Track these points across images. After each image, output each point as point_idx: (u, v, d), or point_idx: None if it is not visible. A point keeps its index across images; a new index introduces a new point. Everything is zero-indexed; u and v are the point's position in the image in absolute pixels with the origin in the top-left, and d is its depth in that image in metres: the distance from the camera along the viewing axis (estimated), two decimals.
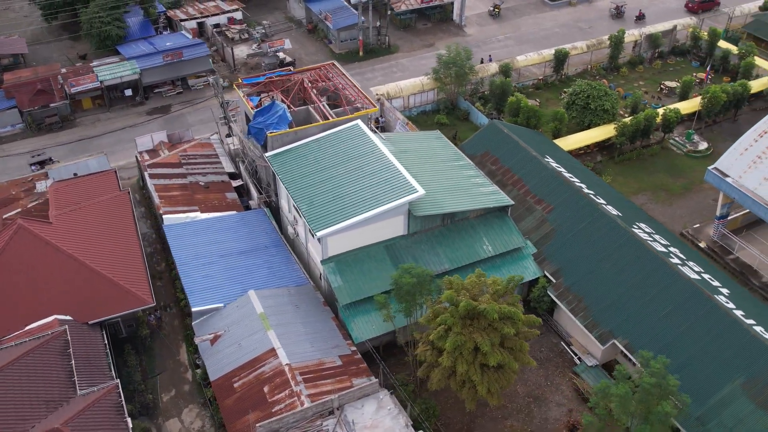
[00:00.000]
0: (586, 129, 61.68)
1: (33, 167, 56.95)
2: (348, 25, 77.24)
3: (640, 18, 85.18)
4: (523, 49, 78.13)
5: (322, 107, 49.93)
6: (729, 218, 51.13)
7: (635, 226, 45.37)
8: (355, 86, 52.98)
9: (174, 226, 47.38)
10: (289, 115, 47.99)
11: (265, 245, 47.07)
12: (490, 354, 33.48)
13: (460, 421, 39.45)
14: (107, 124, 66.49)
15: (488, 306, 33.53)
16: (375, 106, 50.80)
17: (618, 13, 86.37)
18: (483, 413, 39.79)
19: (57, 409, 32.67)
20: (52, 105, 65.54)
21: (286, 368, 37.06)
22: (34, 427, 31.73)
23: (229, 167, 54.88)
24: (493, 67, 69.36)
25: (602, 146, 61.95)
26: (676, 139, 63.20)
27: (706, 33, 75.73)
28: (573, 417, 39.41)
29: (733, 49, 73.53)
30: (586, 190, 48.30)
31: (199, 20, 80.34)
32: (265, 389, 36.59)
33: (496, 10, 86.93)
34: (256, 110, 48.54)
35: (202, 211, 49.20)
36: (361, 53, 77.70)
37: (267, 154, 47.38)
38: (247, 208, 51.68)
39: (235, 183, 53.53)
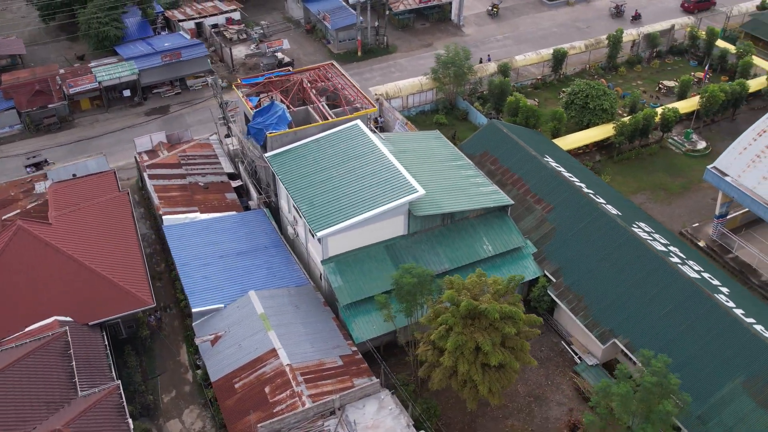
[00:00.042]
0: (585, 128, 61.76)
1: (28, 169, 56.83)
2: (346, 25, 77.21)
3: (636, 18, 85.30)
4: (521, 48, 78.20)
5: (321, 107, 49.91)
6: (728, 217, 51.22)
7: (635, 226, 45.42)
8: (354, 86, 52.97)
9: (174, 226, 47.33)
10: (288, 115, 47.96)
11: (265, 246, 47.03)
12: (491, 354, 33.52)
13: (461, 421, 39.48)
14: (106, 125, 66.40)
15: (489, 306, 33.57)
16: (374, 106, 50.79)
17: (618, 12, 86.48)
18: (484, 413, 39.82)
19: (58, 411, 32.62)
20: (50, 106, 65.43)
21: (287, 369, 37.05)
22: (35, 429, 31.68)
23: (228, 168, 54.84)
24: (492, 67, 69.41)
25: (601, 146, 62.04)
26: (675, 138, 63.30)
27: (704, 32, 75.85)
28: (574, 416, 39.45)
29: (731, 48, 73.66)
30: (585, 190, 48.36)
31: (197, 21, 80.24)
32: (267, 390, 36.57)
33: (495, 9, 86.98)
34: (255, 110, 48.51)
35: (201, 212, 49.15)
36: (359, 53, 77.71)
37: (266, 155, 47.35)
38: (247, 208, 51.64)
39: (235, 183, 53.49)
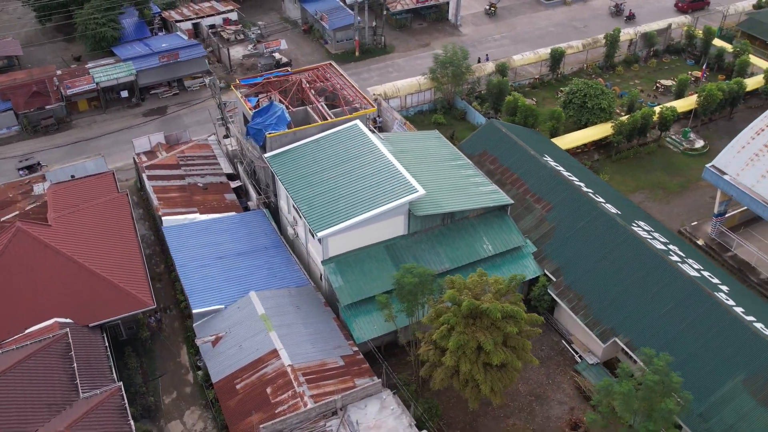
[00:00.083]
0: (583, 128, 61.88)
1: (21, 172, 56.55)
2: (344, 25, 77.20)
3: (631, 18, 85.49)
4: (518, 48, 78.29)
5: (320, 108, 49.89)
6: (726, 216, 51.37)
7: (634, 224, 45.52)
8: (353, 86, 52.96)
9: (173, 227, 47.25)
10: (287, 115, 47.94)
11: (265, 246, 46.99)
12: (493, 353, 33.56)
13: (463, 420, 39.51)
14: (103, 126, 66.26)
15: (491, 305, 33.60)
16: (373, 106, 50.80)
17: (618, 11, 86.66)
18: (485, 412, 39.86)
19: (60, 413, 32.54)
20: (47, 107, 65.22)
21: (289, 369, 37.03)
22: (38, 431, 31.58)
23: (227, 168, 54.77)
24: (490, 67, 69.47)
25: (599, 145, 62.16)
26: (673, 137, 63.46)
27: (700, 31, 76.05)
28: (575, 415, 39.54)
29: (728, 47, 73.90)
30: (584, 189, 48.44)
31: (194, 21, 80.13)
32: (268, 390, 36.55)
33: (493, 8, 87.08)
34: (254, 111, 48.47)
35: (201, 213, 49.08)
36: (357, 53, 77.69)
37: (266, 155, 47.31)
38: (246, 209, 51.59)
39: (234, 184, 53.43)
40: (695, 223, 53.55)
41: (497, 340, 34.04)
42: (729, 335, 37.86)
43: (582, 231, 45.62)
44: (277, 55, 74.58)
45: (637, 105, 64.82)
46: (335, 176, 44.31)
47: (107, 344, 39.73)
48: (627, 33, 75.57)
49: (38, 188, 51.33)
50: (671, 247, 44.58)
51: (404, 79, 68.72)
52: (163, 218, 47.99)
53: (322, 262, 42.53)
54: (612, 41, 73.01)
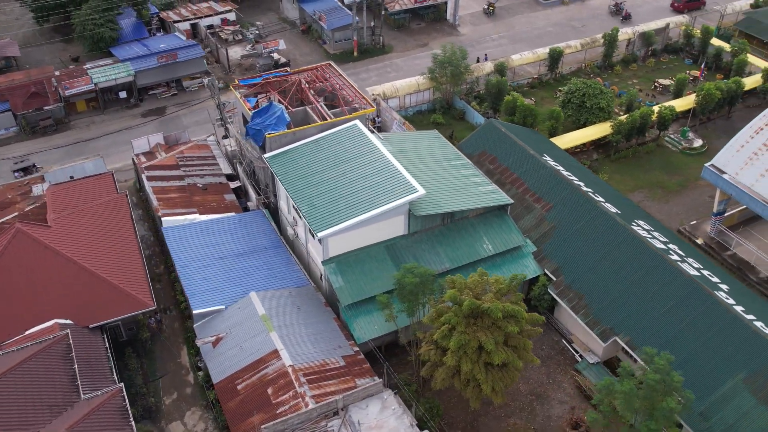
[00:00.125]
0: (582, 127, 61.94)
1: (16, 174, 56.33)
2: (342, 25, 77.20)
3: (626, 18, 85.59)
4: (516, 48, 78.36)
5: (319, 108, 49.87)
6: (726, 214, 51.46)
7: (634, 224, 45.57)
8: (352, 86, 52.96)
9: (173, 228, 47.19)
10: (287, 116, 47.91)
11: (265, 246, 46.96)
12: (494, 353, 33.57)
13: (464, 420, 39.53)
14: (102, 127, 66.17)
15: (492, 305, 33.62)
16: (372, 106, 50.80)
17: (617, 10, 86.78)
18: (486, 412, 39.88)
19: (61, 414, 32.48)
20: (46, 108, 65.11)
21: (290, 369, 37.01)
22: None
23: (226, 169, 54.72)
24: (488, 67, 69.52)
25: (598, 144, 62.24)
26: (671, 136, 63.57)
27: (698, 31, 76.18)
28: (576, 414, 39.59)
29: (726, 46, 74.04)
30: (584, 188, 48.48)
31: (192, 21, 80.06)
32: (269, 391, 36.53)
33: (491, 7, 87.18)
34: (253, 111, 48.44)
35: (200, 213, 49.04)
36: (355, 53, 77.68)
37: (265, 156, 47.28)
38: (246, 209, 51.56)
39: (233, 184, 53.39)
40: (694, 222, 53.64)
41: (498, 339, 34.06)
42: (729, 334, 37.93)
43: (582, 230, 45.66)
44: (275, 56, 74.54)
45: (636, 104, 64.91)
46: (335, 176, 44.30)
47: (107, 345, 39.66)
48: (625, 32, 75.69)
49: (37, 189, 51.25)
50: (671, 246, 44.65)
51: (403, 79, 68.74)
52: (162, 219, 47.94)
53: (322, 262, 42.52)
54: (610, 41, 73.12)
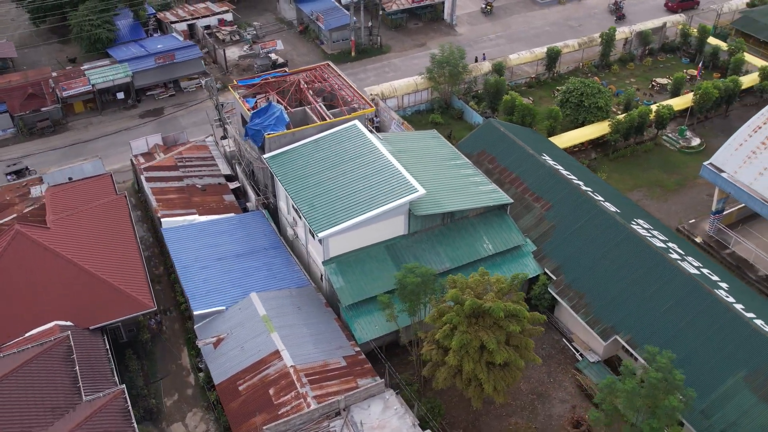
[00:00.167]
0: (580, 126, 62.03)
1: (9, 177, 56.06)
2: (340, 25, 77.15)
3: (621, 18, 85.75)
4: (514, 47, 78.42)
5: (318, 108, 49.84)
6: (724, 213, 51.59)
7: (633, 223, 45.66)
8: (351, 86, 52.96)
9: (172, 229, 47.13)
10: (286, 116, 47.88)
11: (265, 247, 46.92)
12: (496, 352, 33.60)
13: (465, 420, 39.56)
14: (100, 128, 66.02)
15: (494, 304, 33.65)
16: (371, 106, 50.81)
17: (617, 9, 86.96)
18: (487, 411, 39.92)
19: (63, 416, 32.42)
20: (43, 109, 64.89)
21: (291, 370, 37.00)
22: None
23: (225, 169, 54.67)
24: (486, 66, 69.58)
25: (596, 143, 62.33)
26: (669, 135, 63.71)
27: (695, 30, 76.37)
28: (577, 413, 39.65)
29: (723, 45, 74.23)
30: (583, 188, 48.55)
31: (189, 22, 79.91)
32: (271, 391, 36.51)
33: (489, 7, 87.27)
34: (252, 112, 48.40)
35: (200, 214, 48.98)
36: (353, 54, 77.65)
37: (265, 156, 47.24)
38: (245, 210, 51.51)
39: (232, 185, 53.33)
40: (693, 220, 53.77)
41: (500, 339, 34.10)
42: (729, 332, 38.03)
43: (581, 229, 45.73)
44: (273, 56, 74.49)
45: (634, 104, 65.05)
46: (335, 176, 44.29)
47: (108, 347, 39.58)
48: (622, 32, 75.83)
49: (35, 191, 51.09)
50: (670, 244, 44.75)
51: (401, 79, 68.75)
52: (162, 220, 47.87)
53: (323, 262, 42.52)
54: (608, 40, 73.23)
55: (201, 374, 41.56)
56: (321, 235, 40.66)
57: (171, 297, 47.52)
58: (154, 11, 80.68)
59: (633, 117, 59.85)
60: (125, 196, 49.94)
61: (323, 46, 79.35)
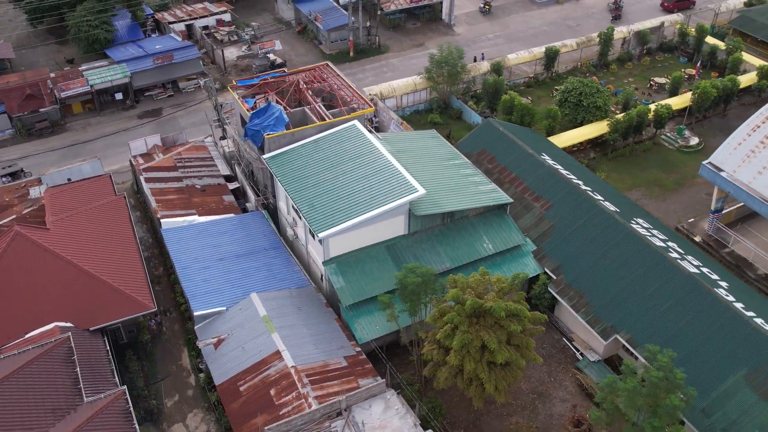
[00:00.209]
0: (579, 126, 62.09)
1: (3, 179, 55.92)
2: (338, 25, 77.12)
3: (616, 18, 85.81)
4: (512, 47, 78.48)
5: (318, 108, 49.82)
6: (723, 212, 51.69)
7: (633, 222, 45.73)
8: (350, 86, 52.95)
9: (172, 230, 47.07)
10: (285, 116, 47.86)
11: (265, 247, 46.89)
12: (497, 352, 33.61)
13: (466, 419, 39.58)
14: (98, 129, 65.93)
15: (495, 304, 33.66)
16: (371, 106, 50.82)
17: (616, 8, 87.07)
18: (488, 411, 39.94)
19: (64, 417, 32.36)
20: (41, 110, 64.80)
21: (292, 370, 36.98)
22: None
23: (224, 170, 54.61)
24: (485, 66, 69.62)
25: (595, 143, 62.39)
26: (668, 134, 63.81)
27: (693, 29, 76.50)
28: (577, 412, 39.69)
29: (721, 44, 74.37)
30: (583, 187, 48.59)
31: (187, 23, 79.81)
32: (272, 392, 36.49)
33: (487, 6, 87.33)
34: (252, 112, 48.36)
35: (199, 215, 48.93)
36: (351, 54, 77.63)
37: (264, 156, 47.21)
38: (245, 210, 51.48)
39: (232, 185, 53.28)
40: (692, 219, 53.86)
41: (501, 338, 34.11)
42: (730, 331, 38.10)
43: (581, 229, 45.77)
44: (271, 56, 74.45)
45: (632, 103, 65.14)
46: (335, 177, 44.29)
47: (108, 348, 39.52)
48: (620, 31, 75.93)
49: (34, 192, 51.00)
50: (670, 244, 44.83)
51: (399, 78, 68.77)
52: (162, 221, 47.81)
53: (323, 262, 42.51)
54: (606, 40, 73.31)
55: (201, 375, 41.53)
56: (321, 235, 40.65)
57: (171, 298, 47.48)
58: (152, 12, 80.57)
59: (632, 116, 59.95)
60: (124, 197, 49.89)
61: (321, 46, 79.33)
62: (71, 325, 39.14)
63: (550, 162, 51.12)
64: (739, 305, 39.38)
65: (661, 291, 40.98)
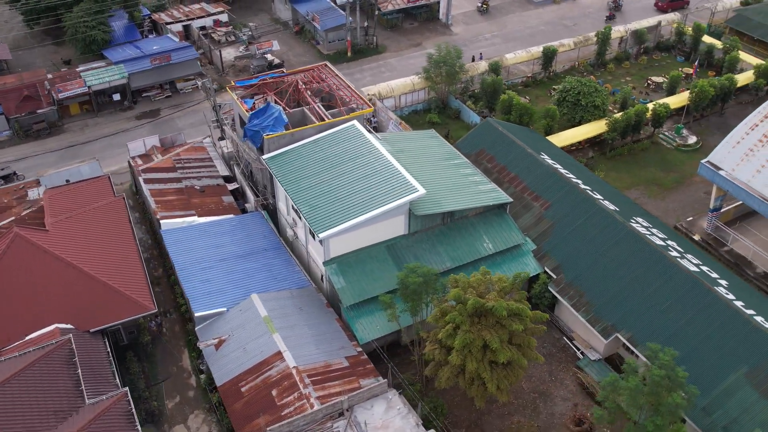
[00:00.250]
0: (577, 125, 62.18)
1: None
2: (336, 25, 77.08)
3: (611, 18, 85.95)
4: (509, 47, 78.56)
5: (317, 108, 49.79)
6: (722, 210, 51.82)
7: (633, 221, 45.81)
8: (349, 87, 52.93)
9: (172, 231, 46.99)
10: (285, 116, 47.82)
11: (265, 248, 46.84)
12: (499, 351, 33.68)
13: (467, 419, 39.61)
14: (96, 130, 65.76)
15: (497, 303, 33.72)
16: (370, 106, 50.81)
17: (616, 7, 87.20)
18: (490, 410, 39.97)
19: (66, 419, 32.27)
20: (39, 111, 64.56)
21: (294, 371, 36.97)
22: None
23: (223, 170, 54.53)
24: (483, 66, 69.67)
25: (593, 142, 62.49)
26: (666, 133, 63.97)
27: (690, 28, 76.66)
28: (579, 411, 39.75)
29: (717, 43, 74.56)
30: (582, 186, 48.66)
31: (184, 23, 79.66)
32: (274, 393, 36.46)
33: (485, 6, 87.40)
34: (251, 113, 48.30)
35: (198, 215, 48.85)
36: (349, 54, 77.60)
37: (264, 157, 47.15)
38: (244, 211, 51.42)
39: (231, 186, 53.20)
40: (691, 218, 53.98)
41: (503, 338, 34.17)
42: (730, 329, 38.20)
43: (581, 228, 45.84)
44: (269, 57, 74.36)
45: (630, 102, 65.27)
46: (335, 177, 44.27)
47: (109, 349, 39.44)
48: (617, 30, 76.07)
49: (33, 193, 50.87)
50: (669, 242, 44.92)
51: (397, 78, 68.74)
52: (161, 222, 47.71)
53: (323, 263, 42.48)
54: (603, 39, 73.42)
55: (202, 376, 41.46)
56: (322, 235, 40.63)
57: (171, 299, 47.39)
58: (149, 12, 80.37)
59: (630, 115, 60.08)
60: (123, 198, 49.76)
61: (319, 47, 79.29)
62: (71, 326, 39.04)
63: (549, 161, 51.18)
64: (739, 303, 39.49)
65: (661, 290, 41.06)
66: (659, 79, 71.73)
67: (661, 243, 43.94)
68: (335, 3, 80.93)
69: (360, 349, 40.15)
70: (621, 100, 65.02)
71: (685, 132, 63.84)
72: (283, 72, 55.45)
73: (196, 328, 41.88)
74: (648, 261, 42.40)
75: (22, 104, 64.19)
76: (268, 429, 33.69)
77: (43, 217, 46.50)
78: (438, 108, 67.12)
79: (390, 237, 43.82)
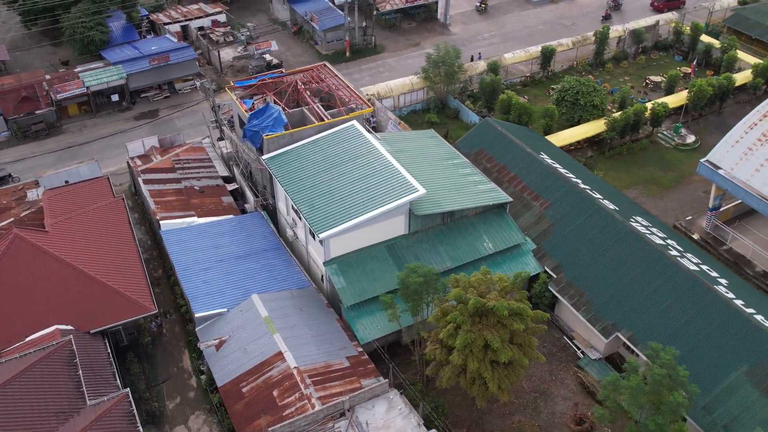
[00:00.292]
0: (576, 125, 62.24)
1: None
2: (334, 26, 77.07)
3: (607, 18, 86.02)
4: (508, 46, 78.61)
5: (316, 109, 49.78)
6: (721, 209, 51.90)
7: (632, 220, 45.87)
8: (348, 87, 52.92)
9: (171, 231, 46.95)
10: (284, 117, 47.80)
11: (265, 248, 46.82)
12: (500, 350, 33.70)
13: (468, 419, 39.63)
14: (94, 131, 65.66)
15: (498, 303, 33.74)
16: (370, 106, 50.81)
17: (616, 7, 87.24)
18: (490, 410, 40.00)
19: (68, 421, 32.22)
20: (37, 112, 64.44)
21: (295, 371, 36.95)
22: None
23: (222, 171, 54.48)
24: (481, 65, 69.69)
25: (592, 141, 62.56)
26: (665, 132, 64.05)
27: (688, 28, 76.78)
28: (579, 410, 39.79)
29: (715, 43, 74.68)
30: (581, 186, 48.71)
31: (182, 24, 79.59)
32: (275, 393, 36.44)
33: (483, 5, 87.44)
34: (250, 113, 48.27)
35: (198, 216, 48.81)
36: (347, 54, 77.58)
37: (263, 157, 47.13)
38: (243, 211, 51.39)
39: (230, 186, 53.17)
40: (690, 217, 54.06)
41: (504, 337, 34.19)
42: (730, 328, 38.27)
43: (581, 227, 45.89)
44: (267, 57, 74.32)
45: (629, 101, 65.34)
46: (334, 177, 44.26)
47: (109, 350, 39.38)
48: (616, 30, 76.14)
49: (32, 194, 50.78)
50: (669, 241, 44.98)
51: (395, 78, 68.75)
52: (161, 222, 47.66)
53: (324, 263, 42.47)
54: (601, 38, 73.49)
55: (203, 377, 41.43)
56: (322, 235, 40.62)
57: (171, 299, 47.34)
58: (147, 13, 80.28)
59: (628, 115, 60.14)
60: (123, 199, 49.70)
61: (318, 47, 79.26)
62: (72, 327, 38.98)
63: (549, 161, 51.23)
64: (739, 302, 39.56)
65: (661, 289, 41.13)
66: (657, 79, 71.82)
67: (661, 242, 44.01)
68: (333, 3, 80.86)
69: (361, 349, 40.15)
70: (619, 100, 65.10)
71: (683, 131, 63.94)
72: (282, 72, 55.43)
73: (196, 329, 41.85)
74: (648, 260, 42.46)
75: (20, 105, 64.09)
76: (269, 429, 33.68)
77: (42, 218, 46.45)
78: (437, 108, 67.15)
79: (390, 237, 43.83)
